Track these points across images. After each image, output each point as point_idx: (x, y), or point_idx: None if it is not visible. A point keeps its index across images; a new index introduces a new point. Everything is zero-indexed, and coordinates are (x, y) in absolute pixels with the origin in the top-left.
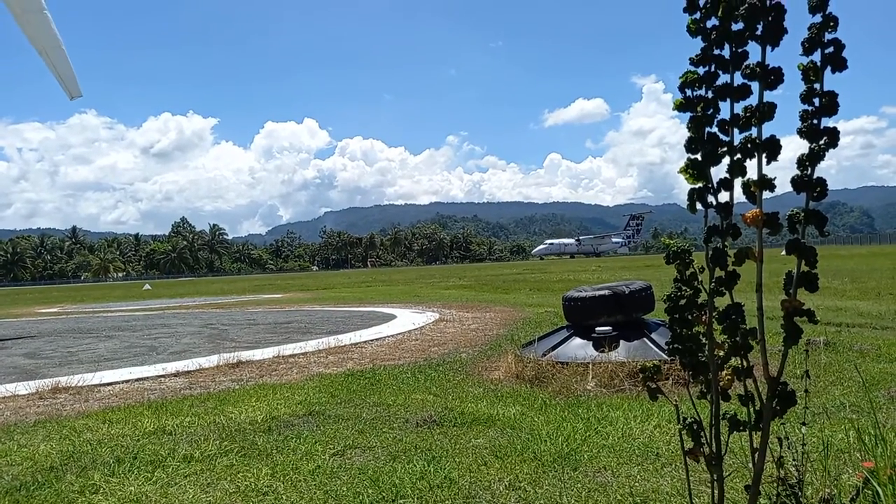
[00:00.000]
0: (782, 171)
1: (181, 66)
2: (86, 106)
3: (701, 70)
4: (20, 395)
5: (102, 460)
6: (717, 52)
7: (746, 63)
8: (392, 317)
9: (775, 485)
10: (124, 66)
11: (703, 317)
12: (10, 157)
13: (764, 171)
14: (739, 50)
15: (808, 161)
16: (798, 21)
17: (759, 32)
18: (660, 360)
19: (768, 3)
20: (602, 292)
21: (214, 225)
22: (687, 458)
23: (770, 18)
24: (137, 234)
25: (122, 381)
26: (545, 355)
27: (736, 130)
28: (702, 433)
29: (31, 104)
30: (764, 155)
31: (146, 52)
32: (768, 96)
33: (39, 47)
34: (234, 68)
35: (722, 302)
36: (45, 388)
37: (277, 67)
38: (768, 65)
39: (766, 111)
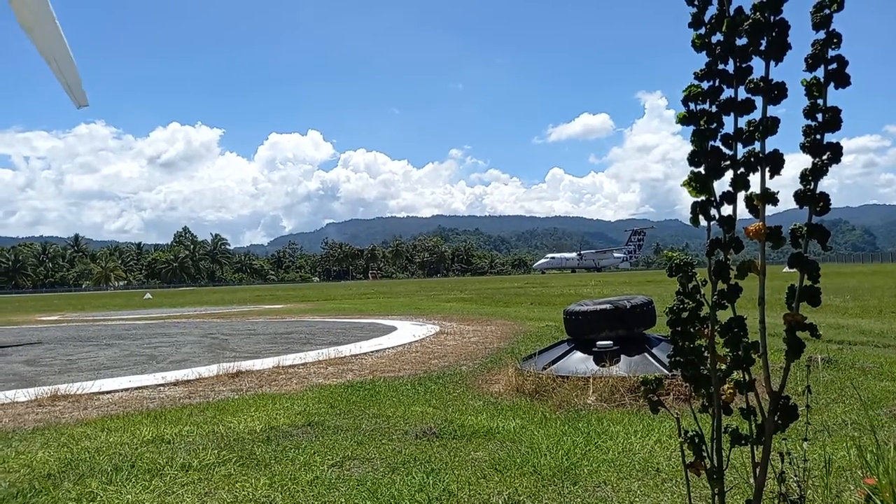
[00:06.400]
0: (784, 189)
1: (191, 76)
2: (94, 116)
3: (705, 84)
4: (19, 401)
5: (100, 468)
6: (721, 66)
7: (750, 78)
8: (393, 329)
9: (776, 500)
10: (133, 76)
11: (706, 330)
12: (17, 166)
13: (767, 185)
14: (743, 65)
15: (811, 175)
16: (802, 37)
17: (762, 48)
18: (661, 375)
19: (772, 19)
20: (603, 306)
21: (216, 235)
22: (688, 472)
23: (774, 34)
24: (139, 243)
25: (122, 390)
26: (545, 369)
27: (739, 144)
28: (703, 446)
29: (39, 113)
30: (767, 169)
31: (157, 63)
32: (772, 111)
33: (48, 57)
34: (241, 79)
35: (724, 315)
36: (44, 395)
37: (283, 79)
38: (772, 80)
39: (769, 125)
